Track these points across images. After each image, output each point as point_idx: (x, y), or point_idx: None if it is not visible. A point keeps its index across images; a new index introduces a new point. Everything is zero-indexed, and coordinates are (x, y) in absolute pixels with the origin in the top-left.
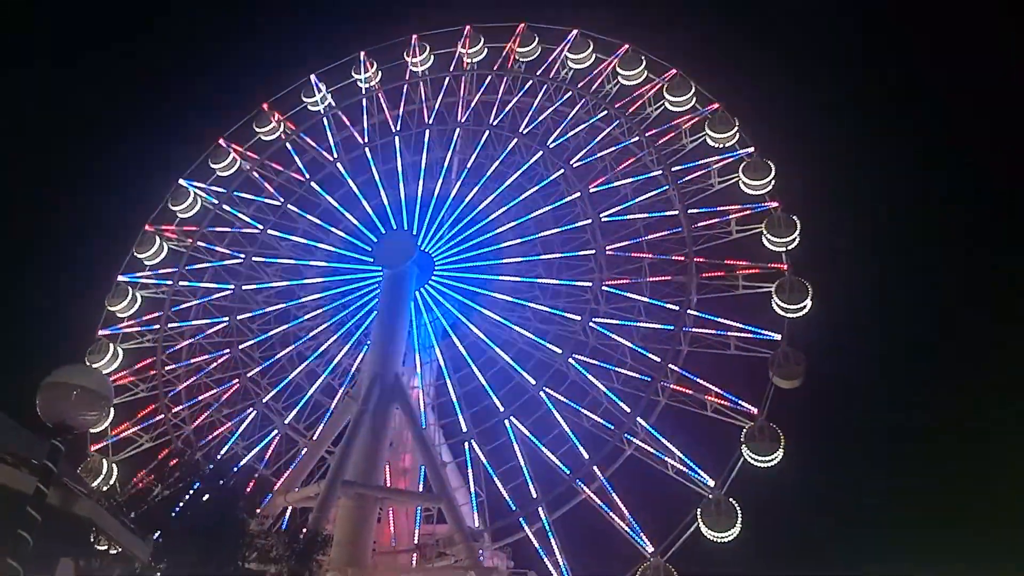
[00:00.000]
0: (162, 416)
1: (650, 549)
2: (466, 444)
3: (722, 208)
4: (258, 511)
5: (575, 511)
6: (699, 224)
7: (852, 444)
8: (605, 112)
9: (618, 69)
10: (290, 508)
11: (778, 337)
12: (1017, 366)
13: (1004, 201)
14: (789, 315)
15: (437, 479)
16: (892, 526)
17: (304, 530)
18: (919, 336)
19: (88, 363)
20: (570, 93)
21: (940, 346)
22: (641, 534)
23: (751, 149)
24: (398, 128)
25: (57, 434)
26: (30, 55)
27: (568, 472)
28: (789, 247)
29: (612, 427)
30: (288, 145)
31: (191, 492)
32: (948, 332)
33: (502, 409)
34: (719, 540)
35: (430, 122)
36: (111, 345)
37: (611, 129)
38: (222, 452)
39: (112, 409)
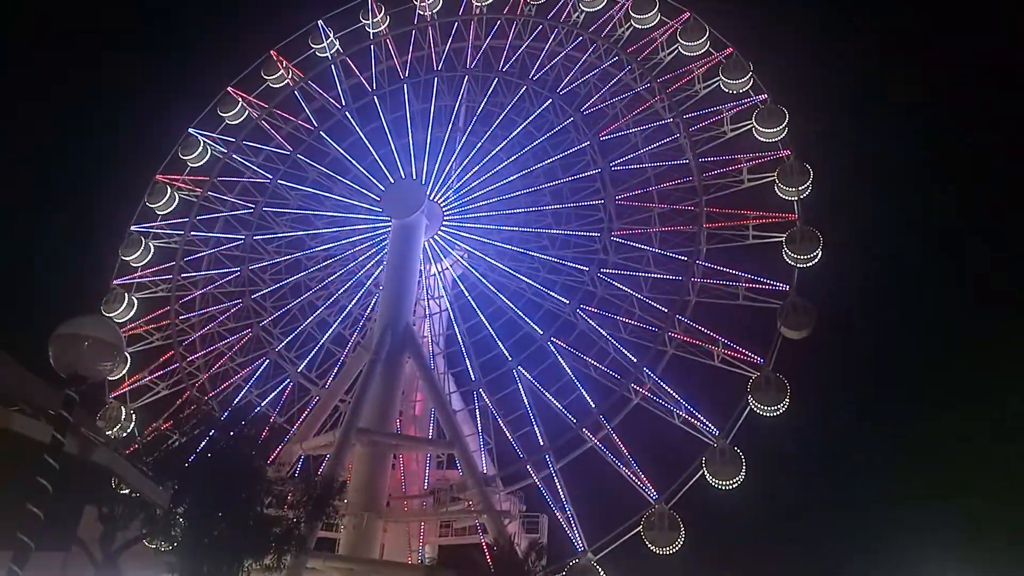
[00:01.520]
0: (177, 364)
1: (654, 496)
2: (475, 393)
3: (734, 156)
4: (274, 459)
5: (582, 458)
6: (710, 173)
7: (857, 396)
8: (616, 58)
9: (630, 11)
10: (303, 456)
11: (787, 287)
12: None
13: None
14: (799, 265)
15: (450, 426)
16: (894, 477)
17: (320, 476)
18: (931, 289)
19: (103, 313)
20: (581, 38)
21: (952, 299)
22: (646, 481)
23: (764, 96)
24: (406, 75)
25: (71, 384)
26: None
27: (575, 421)
28: (801, 196)
29: (619, 377)
30: (296, 93)
31: (207, 439)
32: (960, 286)
33: (510, 359)
34: (723, 487)
35: (439, 69)
36: (126, 295)
37: (622, 75)
38: (236, 400)
39: (128, 357)
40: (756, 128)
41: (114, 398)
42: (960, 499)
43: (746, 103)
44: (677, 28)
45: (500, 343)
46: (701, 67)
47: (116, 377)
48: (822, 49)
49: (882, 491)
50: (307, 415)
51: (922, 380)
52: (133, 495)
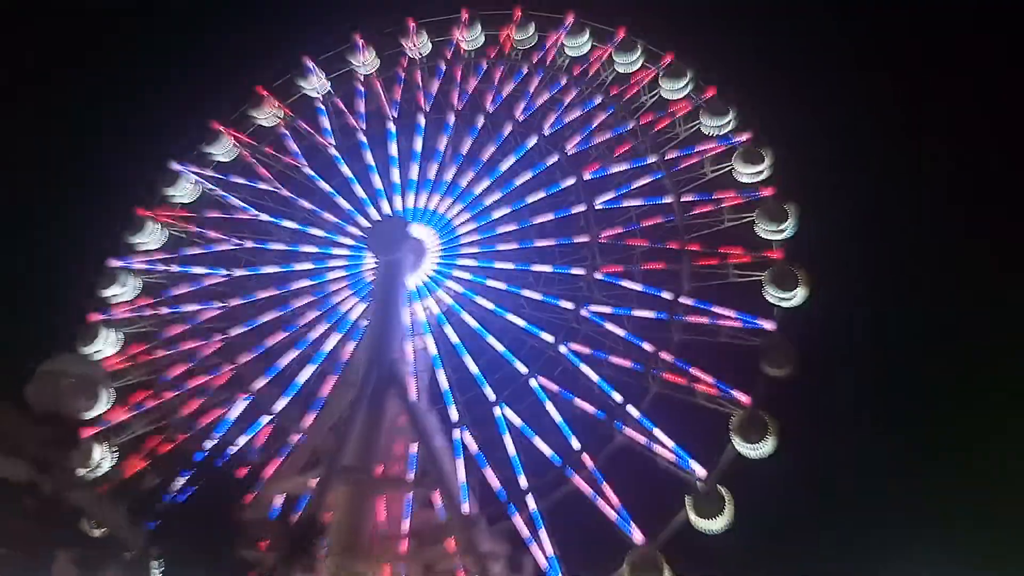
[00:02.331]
0: (155, 403)
1: (639, 538)
2: (460, 431)
3: (716, 196)
4: (252, 499)
5: (566, 498)
6: (692, 212)
7: (843, 433)
8: (601, 99)
9: (614, 56)
10: (283, 496)
11: (769, 326)
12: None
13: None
14: (781, 304)
15: (433, 465)
16: (883, 515)
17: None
18: (914, 326)
19: (80, 349)
20: (566, 80)
21: (936, 337)
22: (630, 522)
23: (746, 137)
24: (394, 114)
25: (49, 423)
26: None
27: (559, 460)
28: (782, 236)
29: (603, 415)
30: (284, 130)
31: (184, 480)
32: (945, 323)
33: (493, 397)
34: (707, 531)
35: (426, 109)
36: (103, 330)
37: (607, 116)
38: (215, 439)
39: (113, 393)
40: (736, 169)
41: (92, 436)
42: (958, 538)
43: (727, 145)
44: (659, 71)
45: (484, 381)
46: (682, 109)
47: (95, 414)
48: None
49: (875, 530)
50: (287, 454)
51: (912, 417)
52: (109, 536)
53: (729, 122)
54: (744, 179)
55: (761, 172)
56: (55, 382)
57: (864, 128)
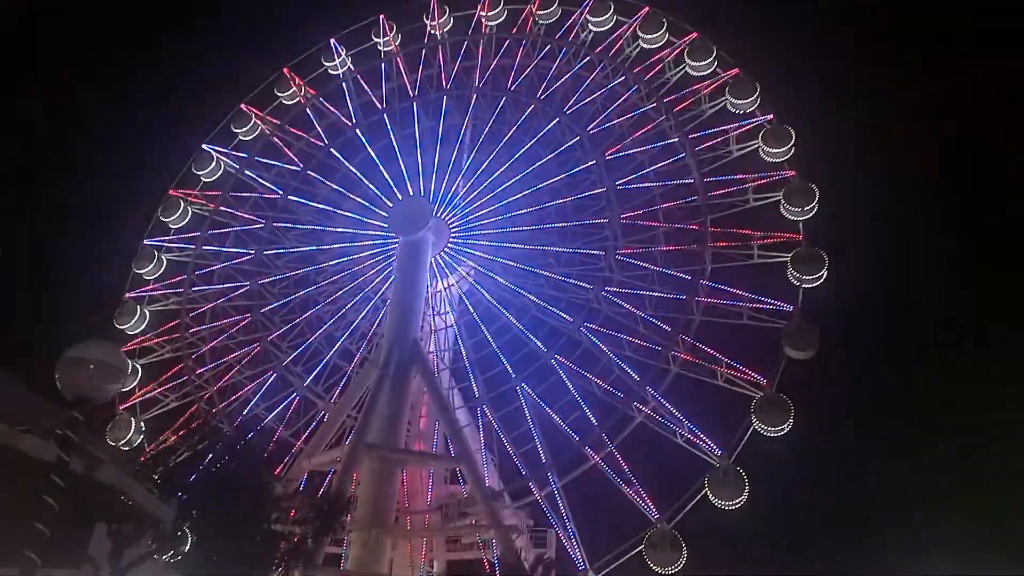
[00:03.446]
0: (186, 377)
1: (656, 515)
2: (479, 409)
3: (739, 176)
4: (281, 473)
5: (585, 476)
6: (715, 192)
7: (863, 416)
8: (623, 77)
9: (638, 32)
10: (308, 471)
11: (791, 308)
12: None
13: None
14: (804, 285)
15: (457, 441)
16: (902, 499)
17: (323, 492)
18: (937, 309)
19: (116, 325)
20: (588, 58)
21: (958, 320)
22: (648, 500)
23: (771, 116)
24: (416, 93)
25: (76, 406)
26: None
27: (577, 438)
28: (806, 217)
29: (622, 395)
30: (308, 110)
31: (214, 454)
32: (965, 307)
33: (514, 375)
34: (726, 508)
35: (448, 87)
36: (138, 307)
37: (629, 95)
38: (244, 413)
39: (140, 369)
40: (762, 148)
41: (124, 410)
42: (971, 516)
43: (752, 123)
44: (684, 48)
45: (504, 360)
46: (707, 87)
47: (126, 389)
48: (830, 68)
49: (890, 511)
50: (314, 430)
51: (930, 399)
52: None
53: (755, 100)
54: (770, 159)
55: (788, 151)
56: (80, 368)
57: (884, 110)
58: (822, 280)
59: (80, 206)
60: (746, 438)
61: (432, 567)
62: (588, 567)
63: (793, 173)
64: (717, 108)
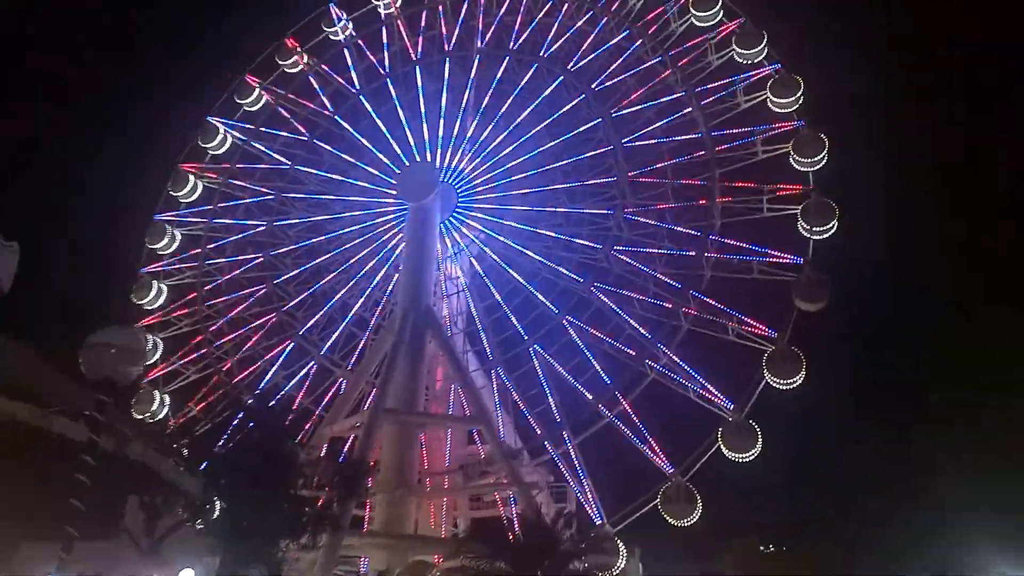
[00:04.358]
0: (205, 349)
1: (671, 469)
2: (492, 371)
3: (748, 128)
4: (304, 440)
5: (600, 434)
6: (724, 146)
7: (875, 367)
8: (628, 31)
9: None
10: (329, 437)
11: (802, 260)
12: None
13: None
14: (814, 237)
15: (475, 403)
16: (913, 447)
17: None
18: (948, 259)
19: (134, 300)
20: (591, 12)
21: (968, 270)
22: (662, 455)
23: (779, 65)
24: (418, 56)
25: (102, 388)
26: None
27: (591, 397)
28: (816, 167)
29: (634, 353)
30: (311, 78)
31: (238, 424)
32: (976, 255)
33: (526, 337)
34: (739, 460)
35: (450, 48)
36: (154, 282)
37: (634, 49)
38: (263, 383)
39: (159, 344)
40: (770, 98)
41: (147, 383)
42: (982, 466)
43: (760, 73)
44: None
45: (516, 322)
46: (714, 37)
47: (149, 363)
48: (838, 16)
49: (900, 462)
50: (332, 398)
51: (940, 350)
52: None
53: (763, 49)
54: (778, 109)
55: (796, 101)
56: (103, 352)
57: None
58: (832, 231)
59: (88, 183)
60: (759, 391)
61: (456, 526)
62: (605, 521)
63: (803, 123)
64: (724, 59)
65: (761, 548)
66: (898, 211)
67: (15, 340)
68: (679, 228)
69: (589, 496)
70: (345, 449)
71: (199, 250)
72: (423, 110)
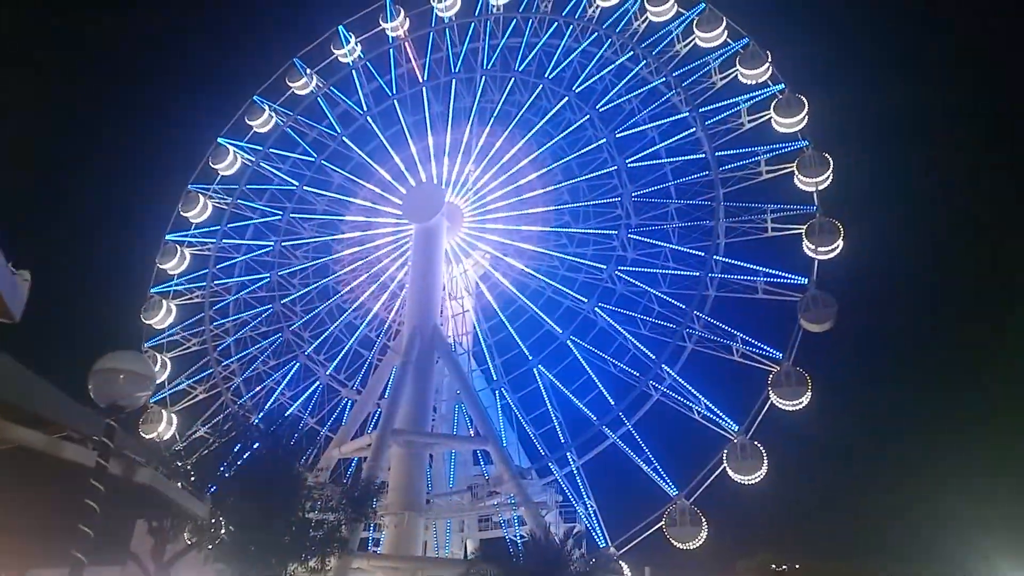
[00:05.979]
0: (212, 369)
1: (675, 492)
2: (496, 391)
3: (752, 148)
4: (311, 462)
5: (605, 455)
6: (728, 166)
7: (881, 387)
8: (632, 52)
9: (646, 5)
10: (336, 459)
11: (807, 280)
12: None
13: None
14: (819, 257)
15: (482, 422)
16: (921, 468)
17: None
18: (954, 280)
19: (143, 319)
20: (596, 33)
21: (976, 289)
22: (667, 478)
23: (782, 86)
24: (425, 77)
25: (110, 413)
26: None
27: (596, 418)
28: (821, 187)
29: (639, 373)
30: (320, 99)
31: (244, 445)
32: (986, 273)
33: (531, 358)
34: (745, 482)
35: (456, 70)
36: (163, 302)
37: (638, 70)
38: (269, 403)
39: (168, 363)
40: (774, 118)
41: (155, 402)
42: (993, 486)
43: (764, 94)
44: (693, 19)
45: (520, 342)
46: (718, 58)
47: (158, 382)
48: (842, 36)
49: (908, 483)
50: (337, 418)
51: (947, 369)
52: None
53: (767, 70)
54: (782, 129)
55: (801, 121)
56: (111, 377)
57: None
58: (837, 251)
59: (101, 203)
60: (764, 412)
61: (465, 547)
62: (609, 544)
63: (806, 143)
64: (728, 80)
65: (773, 566)
66: (904, 230)
67: (25, 367)
68: (683, 248)
69: (593, 518)
70: (350, 470)
71: (207, 270)
72: (429, 130)
